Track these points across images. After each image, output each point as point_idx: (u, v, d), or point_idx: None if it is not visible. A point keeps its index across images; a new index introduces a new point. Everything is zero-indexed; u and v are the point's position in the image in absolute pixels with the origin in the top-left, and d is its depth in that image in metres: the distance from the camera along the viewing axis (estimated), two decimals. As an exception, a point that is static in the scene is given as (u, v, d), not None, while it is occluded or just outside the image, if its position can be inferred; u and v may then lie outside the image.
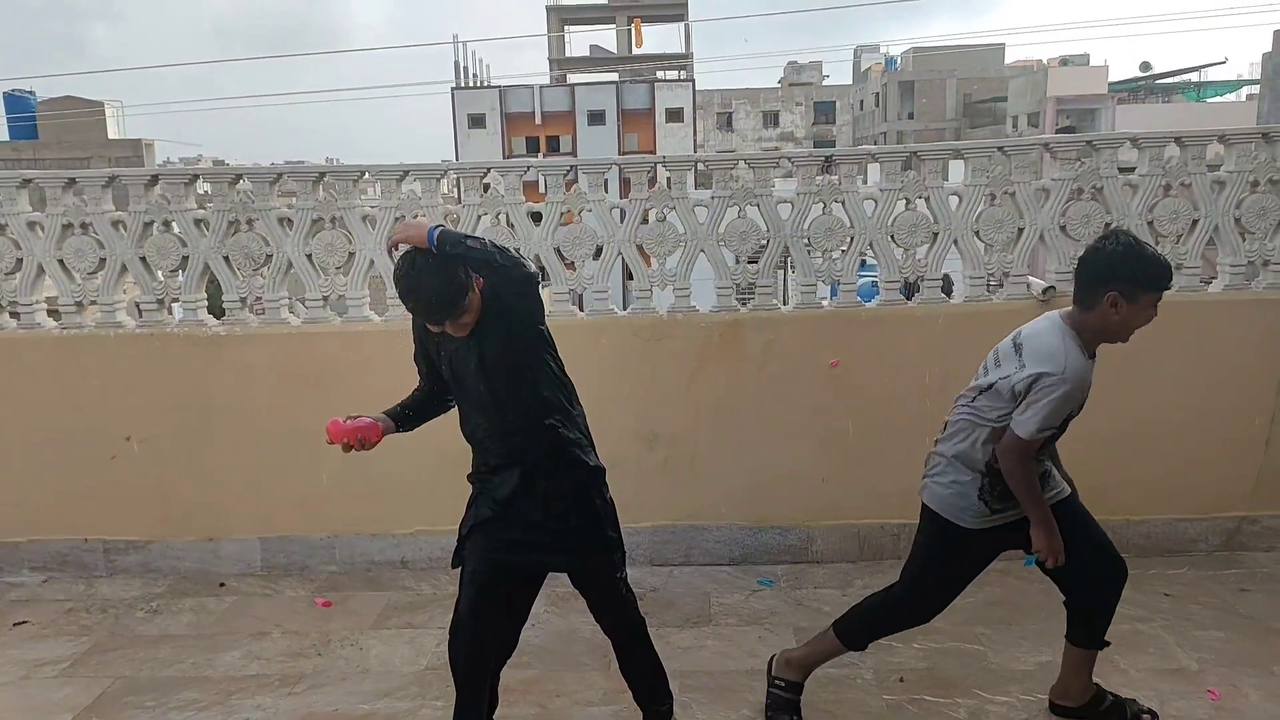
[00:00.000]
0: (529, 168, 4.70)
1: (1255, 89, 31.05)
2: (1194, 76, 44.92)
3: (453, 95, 43.85)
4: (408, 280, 2.62)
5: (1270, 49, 21.31)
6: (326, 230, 4.55)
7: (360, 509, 4.61)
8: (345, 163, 4.71)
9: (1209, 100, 41.39)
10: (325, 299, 4.61)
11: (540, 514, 2.80)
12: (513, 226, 4.53)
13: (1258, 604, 4.05)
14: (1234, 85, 44.01)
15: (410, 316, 2.85)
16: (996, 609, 4.05)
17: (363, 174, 4.58)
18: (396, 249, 2.73)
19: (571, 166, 4.63)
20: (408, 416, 2.98)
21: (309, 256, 4.56)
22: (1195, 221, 4.46)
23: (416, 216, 4.63)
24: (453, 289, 2.59)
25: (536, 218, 4.57)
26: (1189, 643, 3.70)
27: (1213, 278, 4.62)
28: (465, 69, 46.43)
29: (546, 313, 2.94)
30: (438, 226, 2.61)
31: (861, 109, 63.30)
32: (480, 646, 2.86)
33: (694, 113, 45.54)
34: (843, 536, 4.57)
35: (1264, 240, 4.47)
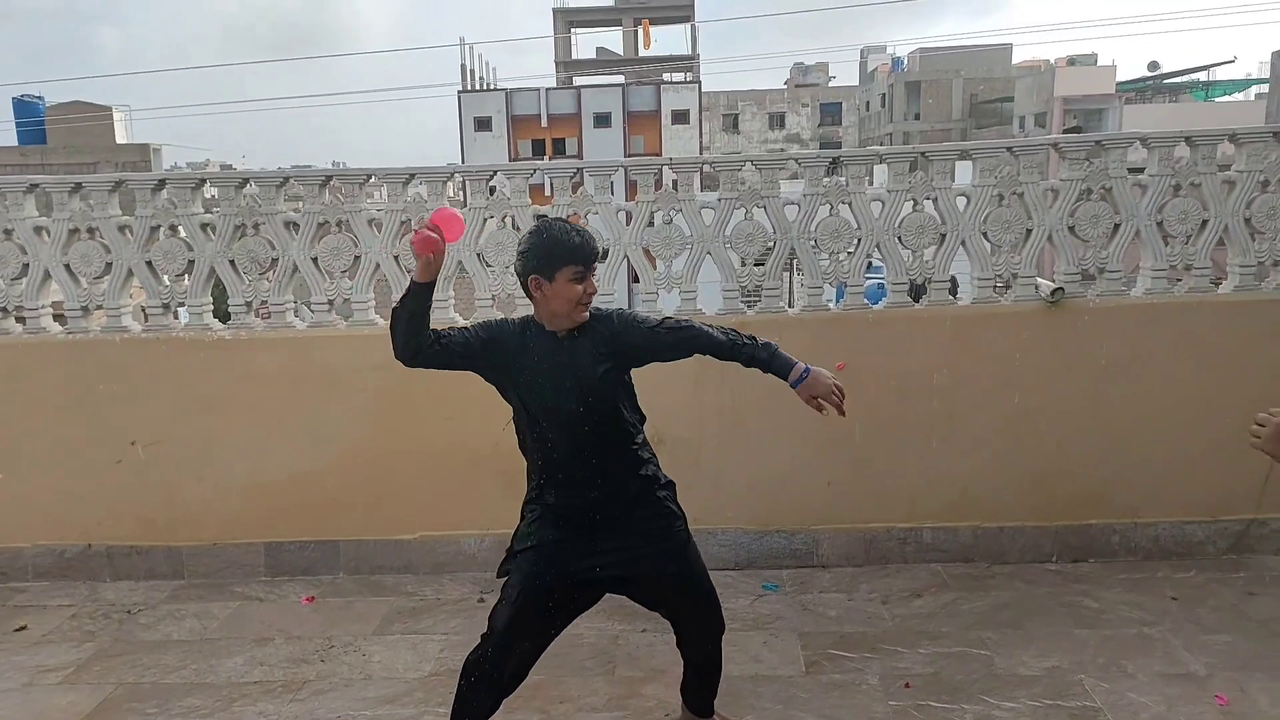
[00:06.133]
0: (535, 170, 4.69)
1: (1264, 88, 30.86)
2: (1202, 76, 44.74)
3: (459, 98, 43.91)
4: (577, 235, 2.72)
5: (1280, 47, 21.18)
6: (332, 234, 4.55)
7: (364, 514, 4.60)
8: (351, 166, 4.69)
9: (1217, 99, 41.18)
10: (331, 303, 4.61)
11: (612, 536, 2.82)
12: (519, 229, 4.52)
13: (1266, 607, 4.01)
14: (1243, 84, 43.77)
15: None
16: (1003, 612, 4.03)
17: (369, 177, 4.57)
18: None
19: (578, 169, 4.61)
20: (424, 308, 2.71)
21: (315, 260, 4.56)
22: (1205, 222, 4.43)
23: (422, 220, 4.60)
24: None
25: (541, 220, 4.55)
26: (1196, 647, 3.67)
27: (1222, 279, 4.59)
28: (471, 71, 46.52)
29: None
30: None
31: (868, 110, 63.19)
32: (501, 665, 2.81)
33: (700, 115, 45.53)
34: (849, 540, 4.55)
35: (1274, 240, 4.44)
